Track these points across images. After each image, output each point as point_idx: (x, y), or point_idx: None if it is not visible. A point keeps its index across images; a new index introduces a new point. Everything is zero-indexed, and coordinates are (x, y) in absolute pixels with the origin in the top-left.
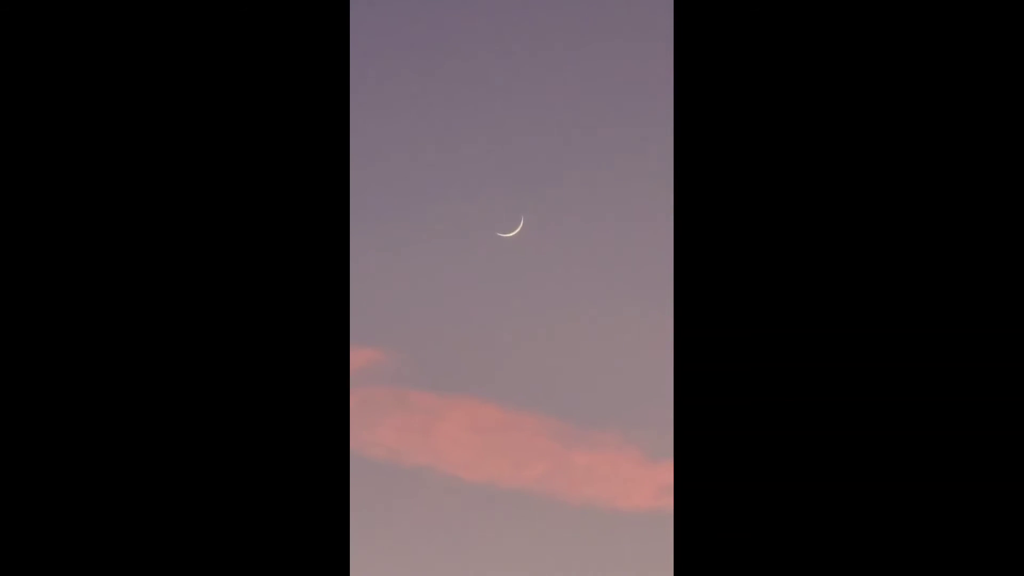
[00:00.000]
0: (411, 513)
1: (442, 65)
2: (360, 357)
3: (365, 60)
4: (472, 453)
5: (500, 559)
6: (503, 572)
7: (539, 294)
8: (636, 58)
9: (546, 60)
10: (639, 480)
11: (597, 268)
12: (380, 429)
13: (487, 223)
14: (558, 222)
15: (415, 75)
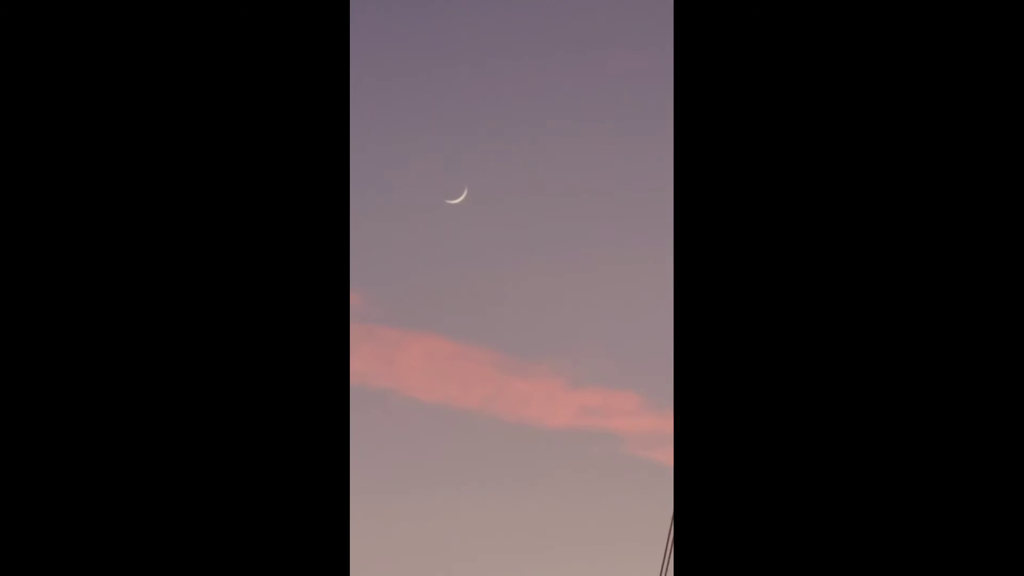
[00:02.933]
0: (377, 428)
1: (441, 64)
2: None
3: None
4: (428, 378)
5: (448, 467)
6: (451, 476)
7: (493, 251)
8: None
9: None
10: (563, 404)
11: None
12: (352, 358)
13: (438, 191)
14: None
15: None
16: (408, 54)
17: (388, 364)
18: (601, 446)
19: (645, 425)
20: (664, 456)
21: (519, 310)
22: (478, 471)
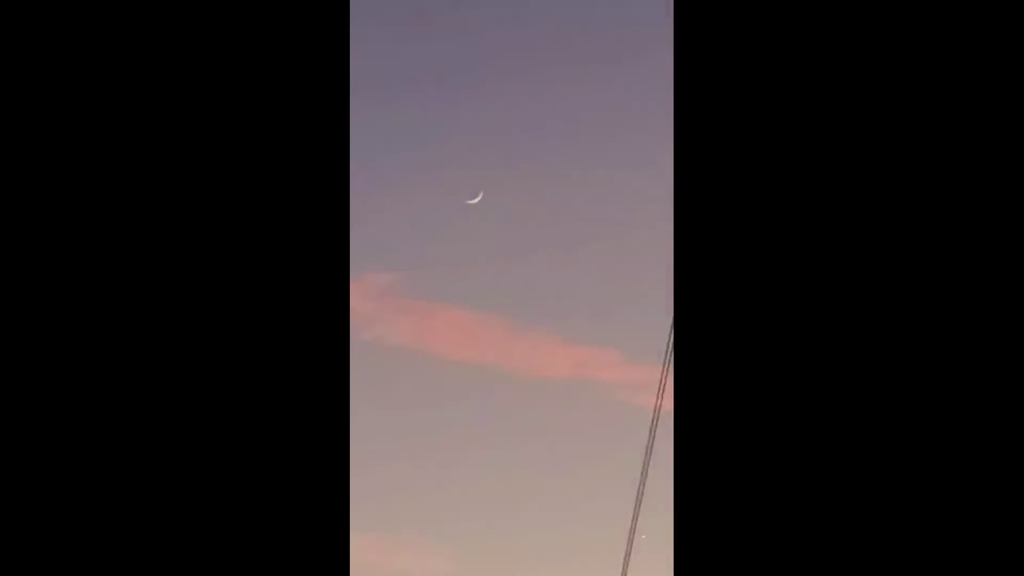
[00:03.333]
0: (410, 381)
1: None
2: (378, 279)
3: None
4: (451, 341)
5: (467, 410)
6: (469, 418)
7: (510, 239)
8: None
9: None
10: (560, 358)
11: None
12: (390, 325)
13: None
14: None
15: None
16: (435, 64)
17: (420, 330)
18: (591, 392)
19: (626, 375)
20: (642, 400)
21: (523, 285)
22: (492, 414)
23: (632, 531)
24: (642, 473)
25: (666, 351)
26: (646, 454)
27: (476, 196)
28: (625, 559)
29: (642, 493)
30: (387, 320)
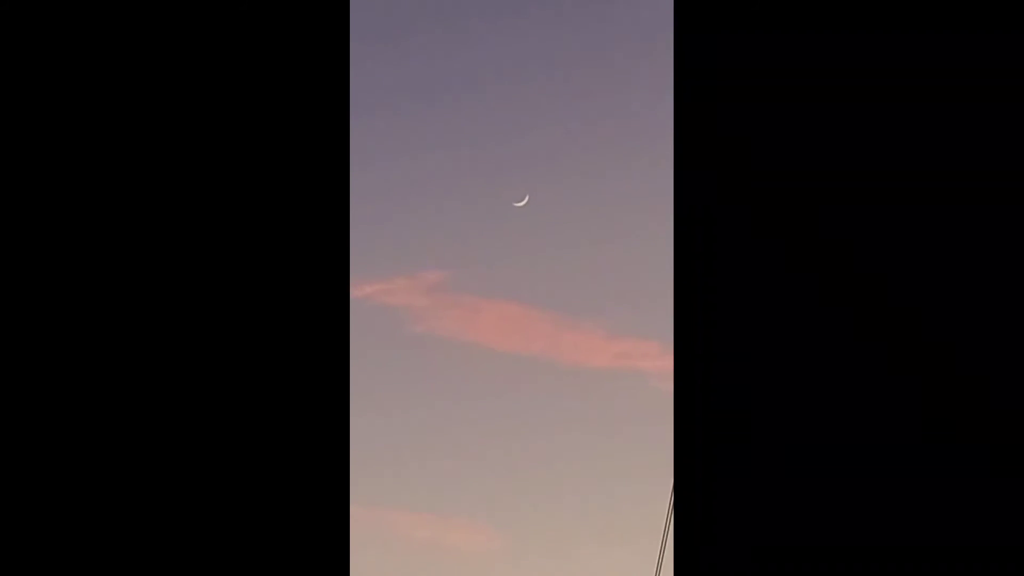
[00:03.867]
0: (461, 373)
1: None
2: (434, 275)
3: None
4: (501, 333)
5: (516, 396)
6: (518, 404)
7: (551, 237)
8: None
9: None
10: (602, 350)
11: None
12: (443, 319)
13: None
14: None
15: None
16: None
17: (470, 323)
18: (631, 381)
19: (665, 365)
20: None
21: (568, 281)
22: (540, 400)
23: (669, 512)
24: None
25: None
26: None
27: (523, 199)
28: (663, 538)
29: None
30: (439, 314)
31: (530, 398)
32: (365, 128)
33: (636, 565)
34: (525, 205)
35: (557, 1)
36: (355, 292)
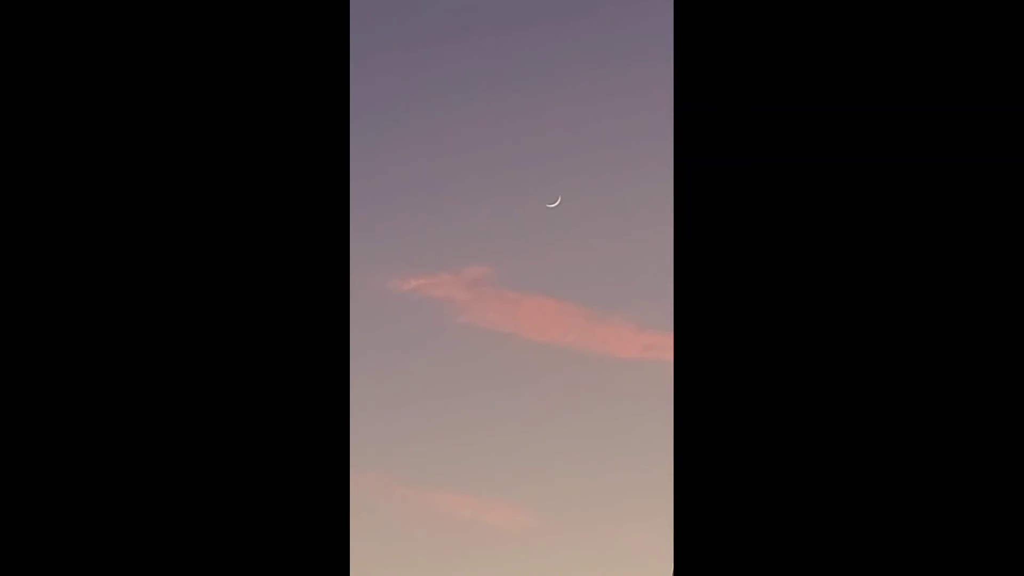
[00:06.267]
0: (502, 362)
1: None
2: (476, 271)
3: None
4: (538, 326)
5: (552, 383)
6: (553, 390)
7: (575, 235)
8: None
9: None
10: (632, 342)
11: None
12: (484, 311)
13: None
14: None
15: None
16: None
17: (511, 316)
18: (658, 371)
19: None
20: None
21: (600, 278)
22: (573, 385)
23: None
24: None
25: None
26: None
27: (555, 200)
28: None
29: None
30: (481, 307)
31: (564, 386)
32: (408, 134)
33: (656, 543)
34: (557, 206)
35: None
36: (401, 285)
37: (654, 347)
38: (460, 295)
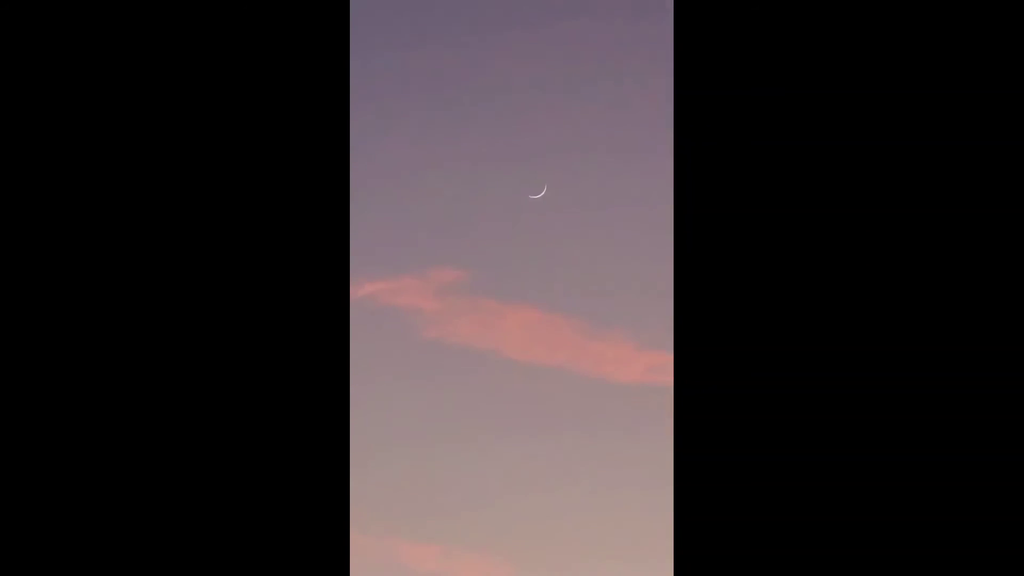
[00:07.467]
0: (479, 382)
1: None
2: (447, 275)
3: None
4: (522, 342)
5: (539, 411)
6: (540, 419)
7: (564, 244)
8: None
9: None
10: (632, 362)
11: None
12: (458, 324)
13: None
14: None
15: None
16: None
17: (490, 329)
18: (664, 397)
19: None
20: None
21: (596, 286)
22: (563, 415)
23: None
24: None
25: None
26: None
27: (540, 191)
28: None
29: None
30: (452, 319)
31: (552, 413)
32: (368, 115)
33: None
34: (542, 198)
35: None
36: (355, 290)
37: (660, 369)
38: (427, 304)
